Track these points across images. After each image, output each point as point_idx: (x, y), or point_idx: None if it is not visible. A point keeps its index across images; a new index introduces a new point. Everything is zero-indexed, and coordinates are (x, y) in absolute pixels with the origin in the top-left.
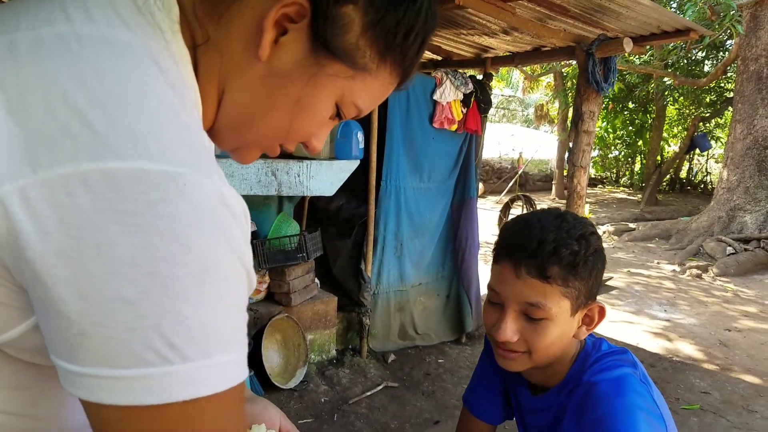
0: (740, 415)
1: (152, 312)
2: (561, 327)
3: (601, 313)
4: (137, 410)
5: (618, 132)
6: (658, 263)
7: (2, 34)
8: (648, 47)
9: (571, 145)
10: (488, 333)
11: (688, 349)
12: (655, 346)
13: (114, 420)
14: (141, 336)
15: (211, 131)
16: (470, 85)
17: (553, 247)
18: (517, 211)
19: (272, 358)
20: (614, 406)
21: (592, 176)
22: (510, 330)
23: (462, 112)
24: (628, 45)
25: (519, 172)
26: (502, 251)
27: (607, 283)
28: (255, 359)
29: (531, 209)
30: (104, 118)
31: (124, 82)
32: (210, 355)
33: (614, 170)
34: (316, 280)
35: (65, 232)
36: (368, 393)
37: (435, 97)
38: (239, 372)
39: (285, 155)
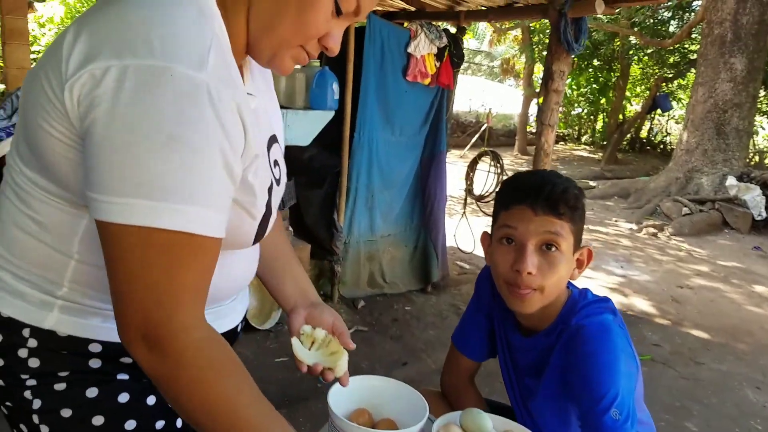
0: (688, 366)
1: (132, 161)
2: (566, 263)
3: (590, 255)
4: (116, 227)
5: (582, 89)
6: (616, 221)
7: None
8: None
9: (539, 103)
10: (504, 274)
11: (642, 303)
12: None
13: (104, 231)
14: (123, 174)
15: (249, 47)
16: (444, 39)
17: (562, 189)
18: (484, 165)
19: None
20: (600, 344)
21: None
22: (530, 262)
23: (435, 65)
24: (600, 6)
25: (485, 127)
26: (515, 197)
27: None
28: None
29: (498, 165)
30: (144, 36)
31: (168, 22)
32: (168, 200)
33: (576, 128)
34: (290, 228)
35: (93, 103)
36: None
37: (409, 50)
38: (194, 223)
39: None
